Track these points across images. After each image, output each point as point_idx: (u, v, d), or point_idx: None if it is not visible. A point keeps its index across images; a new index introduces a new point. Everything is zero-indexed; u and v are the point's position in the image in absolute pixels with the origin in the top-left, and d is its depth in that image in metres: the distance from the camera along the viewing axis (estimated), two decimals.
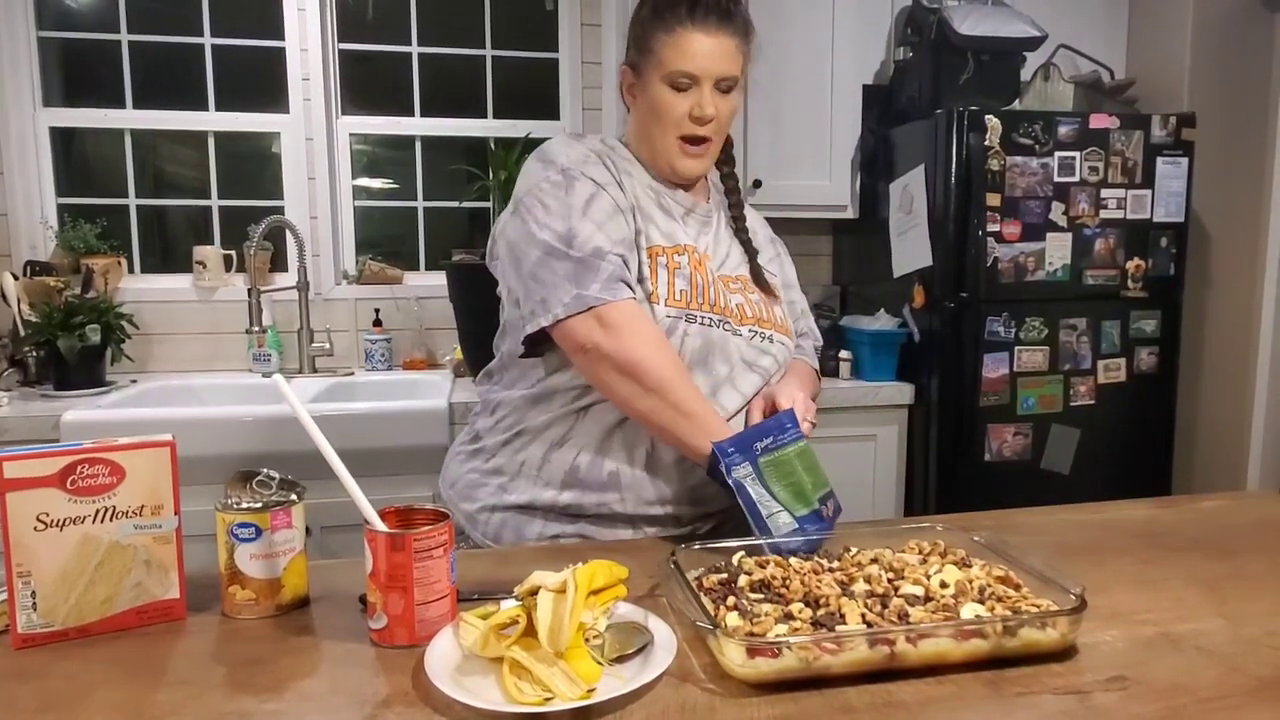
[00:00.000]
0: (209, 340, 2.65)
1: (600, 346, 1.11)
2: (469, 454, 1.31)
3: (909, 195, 2.53)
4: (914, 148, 2.52)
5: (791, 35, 2.66)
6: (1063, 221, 2.43)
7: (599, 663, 0.77)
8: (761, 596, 0.86)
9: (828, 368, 2.54)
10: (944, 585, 0.87)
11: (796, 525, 1.06)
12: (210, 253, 2.65)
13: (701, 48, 1.18)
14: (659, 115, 1.21)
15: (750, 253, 1.33)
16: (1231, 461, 2.86)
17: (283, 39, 2.68)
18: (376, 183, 2.91)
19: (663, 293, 1.17)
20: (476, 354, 2.41)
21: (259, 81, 2.71)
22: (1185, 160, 2.50)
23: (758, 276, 1.31)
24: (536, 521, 1.22)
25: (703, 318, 1.18)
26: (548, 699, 0.71)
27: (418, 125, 2.85)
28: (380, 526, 0.85)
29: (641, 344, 1.10)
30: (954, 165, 2.36)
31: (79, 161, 2.72)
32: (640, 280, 1.17)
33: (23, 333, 2.30)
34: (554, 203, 1.16)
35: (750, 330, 1.23)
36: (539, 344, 1.17)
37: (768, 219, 1.48)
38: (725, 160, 1.35)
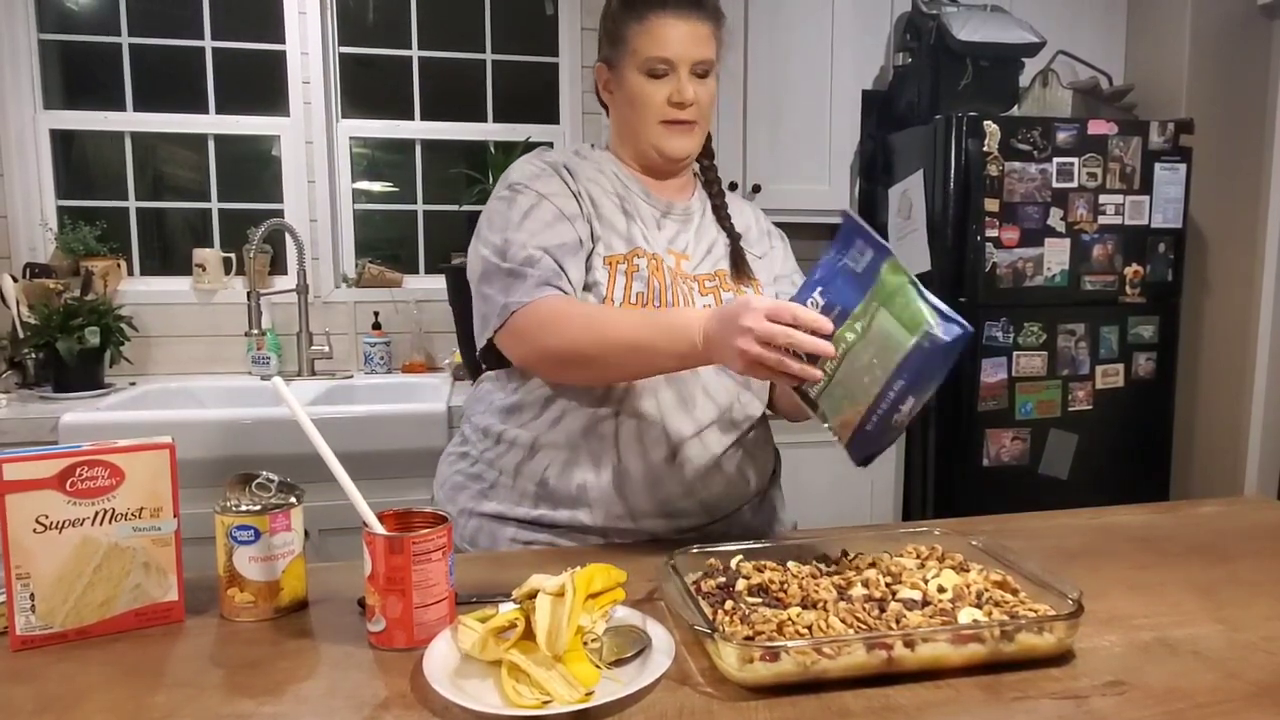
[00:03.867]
0: (208, 343, 2.65)
1: (526, 357, 1.14)
2: (457, 456, 1.32)
3: (908, 200, 2.54)
4: (913, 153, 2.52)
5: (791, 40, 2.66)
6: (1061, 227, 2.43)
7: (597, 666, 0.77)
8: (759, 600, 0.86)
9: None
10: (942, 590, 0.87)
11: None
12: (210, 255, 2.65)
13: (675, 33, 1.18)
14: (638, 105, 1.21)
15: (733, 236, 1.31)
16: (1229, 467, 2.86)
17: (283, 42, 2.68)
18: (376, 186, 2.91)
19: (618, 296, 1.16)
20: (475, 357, 2.41)
21: (259, 85, 2.71)
22: (1183, 166, 2.51)
23: (738, 260, 1.28)
24: (509, 528, 1.22)
25: None
26: (546, 702, 0.71)
27: (418, 129, 2.85)
28: (379, 529, 0.86)
29: (559, 334, 1.08)
30: (953, 170, 2.37)
31: (79, 164, 2.72)
32: (594, 285, 1.17)
33: (22, 335, 2.30)
34: (497, 218, 1.18)
35: None
36: (501, 358, 1.19)
37: None
38: (704, 154, 1.34)
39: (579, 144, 1.33)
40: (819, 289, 0.91)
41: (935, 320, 0.84)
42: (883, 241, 0.88)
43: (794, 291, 1.28)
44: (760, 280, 1.31)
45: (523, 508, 1.21)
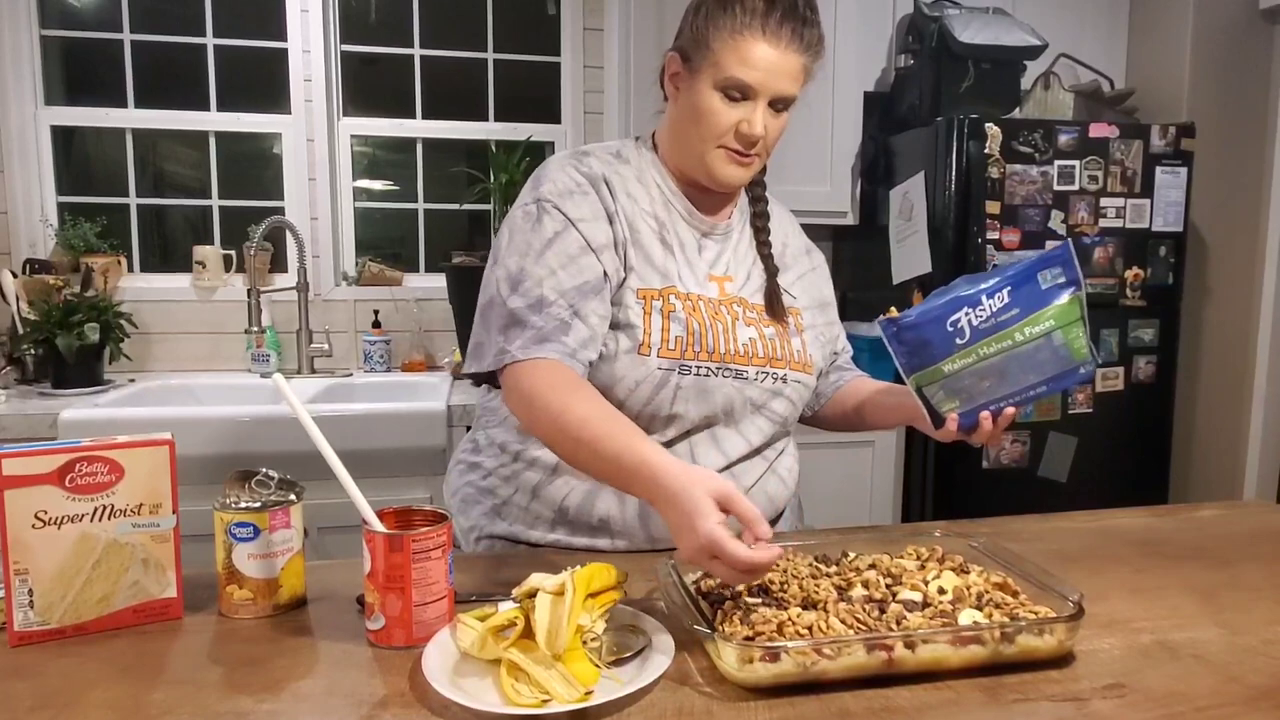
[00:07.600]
0: (208, 340, 2.65)
1: (517, 412, 1.07)
2: (468, 466, 1.27)
3: (909, 202, 2.54)
4: (914, 155, 2.52)
5: None
6: (1062, 230, 2.43)
7: (596, 665, 0.77)
8: (759, 600, 0.86)
9: None
10: (942, 591, 0.87)
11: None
12: (210, 253, 2.65)
13: (767, 60, 1.07)
14: (702, 122, 1.11)
15: (770, 270, 1.23)
16: (1228, 471, 2.87)
17: (285, 40, 2.68)
18: (377, 184, 2.91)
19: (655, 341, 1.09)
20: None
21: (261, 82, 2.71)
22: (1184, 170, 2.51)
23: (773, 300, 1.21)
24: (521, 549, 1.19)
25: (698, 367, 1.10)
26: (545, 701, 0.71)
27: (419, 127, 2.85)
28: (379, 527, 0.85)
29: (534, 420, 1.02)
30: (954, 173, 2.37)
31: (80, 160, 2.72)
32: (630, 328, 1.09)
33: (21, 330, 2.29)
34: (519, 236, 1.11)
35: (759, 371, 1.15)
36: (492, 380, 1.12)
37: None
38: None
39: (620, 145, 1.23)
40: (1008, 287, 1.04)
41: (1091, 357, 1.05)
42: (1080, 275, 1.05)
43: (839, 322, 1.42)
44: (800, 306, 1.26)
45: (537, 531, 1.17)
